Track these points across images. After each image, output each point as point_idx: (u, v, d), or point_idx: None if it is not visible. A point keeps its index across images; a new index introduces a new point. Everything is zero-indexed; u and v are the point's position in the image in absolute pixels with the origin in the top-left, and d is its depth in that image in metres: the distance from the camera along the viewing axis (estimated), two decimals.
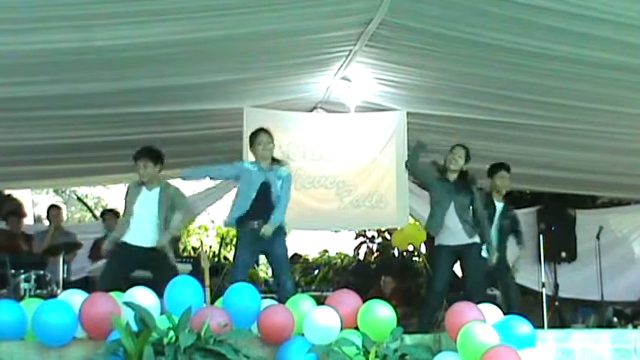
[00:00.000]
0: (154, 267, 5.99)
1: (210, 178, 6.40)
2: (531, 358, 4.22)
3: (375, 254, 11.40)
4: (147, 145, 6.21)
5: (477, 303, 4.69)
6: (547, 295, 7.40)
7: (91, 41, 5.34)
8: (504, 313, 4.77)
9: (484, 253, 6.57)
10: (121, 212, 6.67)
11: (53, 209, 8.60)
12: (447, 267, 6.50)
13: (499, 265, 6.77)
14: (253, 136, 6.22)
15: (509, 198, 7.55)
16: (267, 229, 5.91)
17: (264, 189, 6.01)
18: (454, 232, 6.44)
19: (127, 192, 6.18)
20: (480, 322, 4.35)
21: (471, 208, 6.56)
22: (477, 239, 6.49)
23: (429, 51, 6.22)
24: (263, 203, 5.97)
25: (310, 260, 12.03)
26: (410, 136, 7.81)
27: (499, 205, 7.05)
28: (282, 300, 5.29)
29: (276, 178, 6.06)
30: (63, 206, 10.08)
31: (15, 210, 8.66)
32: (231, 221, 6.11)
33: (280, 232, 6.04)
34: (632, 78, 6.16)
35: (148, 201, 6.04)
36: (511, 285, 7.04)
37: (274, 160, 6.17)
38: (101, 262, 6.67)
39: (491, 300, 5.79)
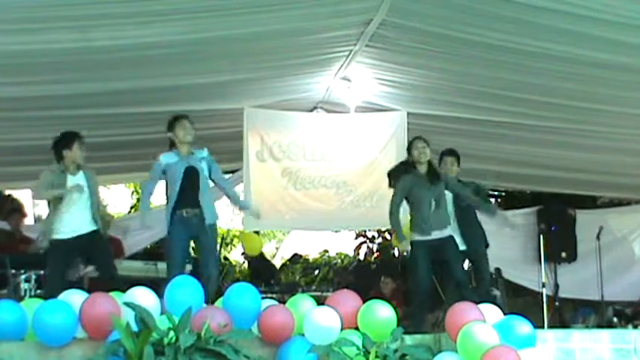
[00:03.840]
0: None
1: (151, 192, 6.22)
2: (531, 358, 4.23)
3: (375, 254, 11.35)
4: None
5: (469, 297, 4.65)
6: (547, 295, 7.41)
7: (91, 41, 5.35)
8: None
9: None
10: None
11: None
12: (424, 263, 6.03)
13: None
14: (175, 120, 5.91)
15: (509, 198, 7.46)
16: (256, 207, 6.66)
17: (191, 175, 5.79)
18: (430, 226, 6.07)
19: (45, 180, 5.96)
20: (480, 322, 4.35)
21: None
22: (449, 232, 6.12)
23: (429, 51, 6.22)
24: (191, 190, 5.76)
25: (310, 260, 12.00)
26: (410, 136, 7.80)
27: None
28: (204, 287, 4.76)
29: (199, 162, 5.85)
30: None
31: (16, 209, 8.60)
32: (167, 216, 5.87)
33: (210, 220, 5.81)
34: (632, 78, 6.16)
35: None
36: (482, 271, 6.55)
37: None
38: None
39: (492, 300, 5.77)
